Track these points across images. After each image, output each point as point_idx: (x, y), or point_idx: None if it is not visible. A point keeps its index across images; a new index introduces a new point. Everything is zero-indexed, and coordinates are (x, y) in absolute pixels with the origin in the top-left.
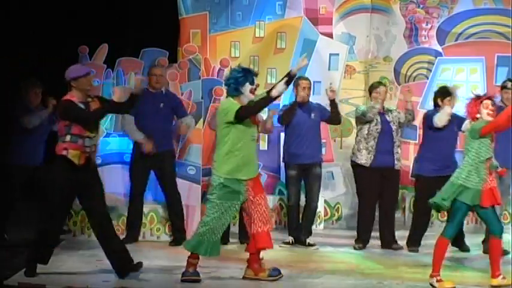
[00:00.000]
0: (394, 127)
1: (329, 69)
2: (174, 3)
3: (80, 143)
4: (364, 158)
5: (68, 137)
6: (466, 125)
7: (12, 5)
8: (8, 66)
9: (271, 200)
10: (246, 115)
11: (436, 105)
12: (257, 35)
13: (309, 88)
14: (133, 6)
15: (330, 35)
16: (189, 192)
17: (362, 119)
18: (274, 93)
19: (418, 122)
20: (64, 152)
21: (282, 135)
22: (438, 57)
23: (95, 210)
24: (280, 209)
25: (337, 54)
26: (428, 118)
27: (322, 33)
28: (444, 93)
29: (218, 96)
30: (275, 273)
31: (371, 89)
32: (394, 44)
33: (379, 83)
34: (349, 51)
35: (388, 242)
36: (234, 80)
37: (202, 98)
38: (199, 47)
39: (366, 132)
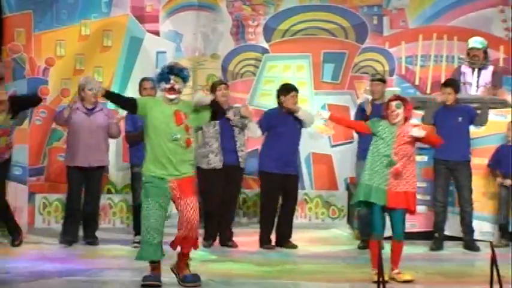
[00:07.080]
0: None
1: (156, 67)
2: None
3: None
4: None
5: None
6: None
7: None
8: None
9: None
10: None
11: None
12: (83, 33)
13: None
14: None
15: (157, 33)
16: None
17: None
18: None
19: None
20: None
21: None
22: (265, 54)
23: None
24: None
25: (165, 52)
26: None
27: (149, 31)
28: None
29: (44, 96)
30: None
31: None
32: (221, 42)
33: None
34: (176, 49)
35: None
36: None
37: None
38: (24, 46)
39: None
